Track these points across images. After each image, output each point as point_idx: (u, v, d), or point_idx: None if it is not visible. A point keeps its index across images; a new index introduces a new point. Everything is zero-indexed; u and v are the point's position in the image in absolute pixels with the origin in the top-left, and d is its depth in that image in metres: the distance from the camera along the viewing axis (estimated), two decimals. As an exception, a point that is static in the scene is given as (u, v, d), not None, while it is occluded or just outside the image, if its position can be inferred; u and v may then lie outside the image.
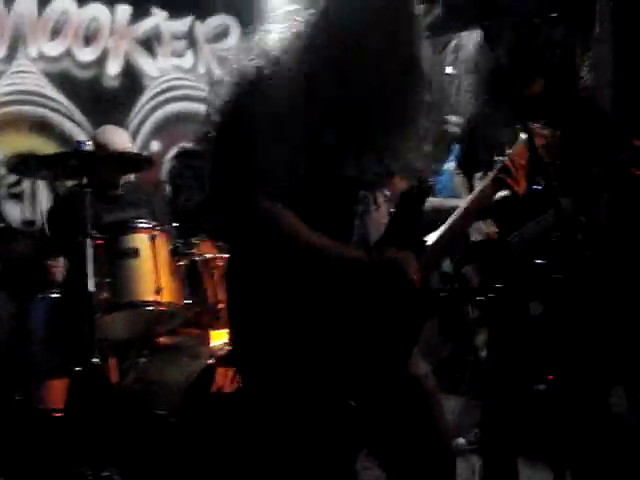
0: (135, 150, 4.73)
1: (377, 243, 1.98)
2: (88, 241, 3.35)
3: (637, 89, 4.94)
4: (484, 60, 3.09)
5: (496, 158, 2.26)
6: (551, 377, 3.83)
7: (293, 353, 1.90)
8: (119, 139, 4.36)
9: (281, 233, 1.86)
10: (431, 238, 2.12)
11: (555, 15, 1.98)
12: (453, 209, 2.16)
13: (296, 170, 1.84)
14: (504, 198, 2.27)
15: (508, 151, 2.24)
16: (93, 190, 3.52)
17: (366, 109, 1.88)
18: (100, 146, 4.19)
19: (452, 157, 6.95)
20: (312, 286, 1.88)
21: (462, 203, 2.20)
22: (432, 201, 2.28)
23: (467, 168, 3.55)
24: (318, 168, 1.86)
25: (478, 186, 2.25)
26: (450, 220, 2.13)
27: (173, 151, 6.00)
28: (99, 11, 5.69)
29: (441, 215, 2.15)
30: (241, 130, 1.85)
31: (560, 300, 3.43)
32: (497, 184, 2.21)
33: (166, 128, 6.09)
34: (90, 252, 3.34)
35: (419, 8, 1.96)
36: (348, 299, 1.89)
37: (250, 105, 1.85)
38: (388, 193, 2.06)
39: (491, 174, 2.22)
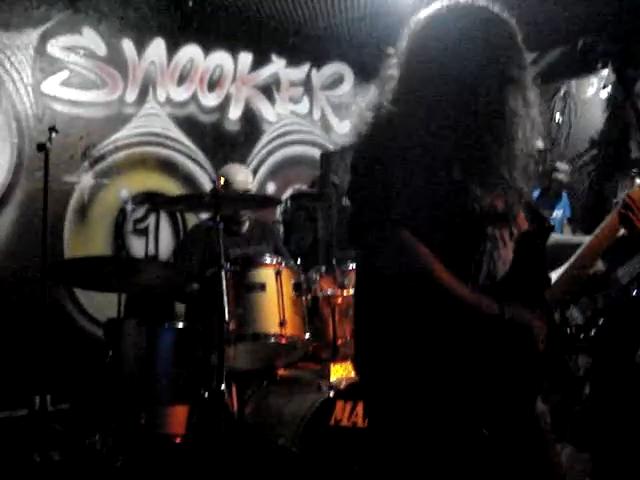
0: (255, 188, 4.90)
1: (503, 282, 2.00)
2: (223, 273, 3.50)
3: None
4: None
5: (618, 198, 2.31)
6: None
7: (422, 382, 1.94)
8: (241, 176, 4.57)
9: (421, 265, 1.89)
10: (555, 275, 2.16)
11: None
12: (576, 246, 2.20)
13: (427, 206, 1.90)
14: (624, 236, 2.29)
15: (629, 190, 2.27)
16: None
17: (488, 142, 1.94)
18: (223, 182, 4.40)
19: (561, 205, 6.92)
20: (441, 322, 1.92)
21: (586, 239, 2.23)
22: (554, 237, 2.32)
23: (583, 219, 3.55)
24: (449, 205, 1.91)
25: (602, 222, 2.25)
26: (575, 256, 2.17)
27: (287, 193, 6.22)
28: (223, 59, 6.00)
29: (563, 251, 2.20)
30: (378, 173, 1.92)
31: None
32: (621, 219, 2.23)
33: (281, 170, 6.32)
34: (224, 284, 3.49)
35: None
36: (476, 335, 1.93)
37: (383, 148, 1.93)
38: (514, 231, 2.09)
39: (614, 211, 2.25)
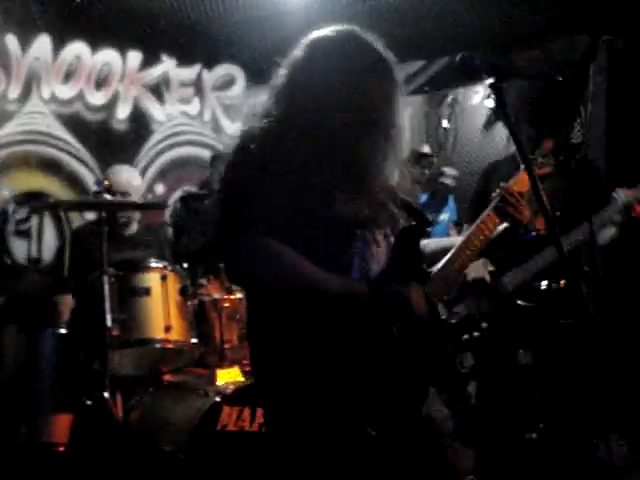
0: (142, 190, 4.81)
1: (379, 276, 2.07)
2: (105, 278, 3.43)
3: (628, 145, 5.10)
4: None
5: (496, 192, 2.31)
6: (542, 426, 3.92)
7: (311, 383, 1.97)
8: (128, 178, 4.48)
9: (287, 269, 1.95)
10: (433, 270, 2.20)
11: (561, 79, 2.10)
12: (449, 249, 2.24)
13: (294, 213, 1.95)
14: (505, 231, 2.31)
15: (505, 184, 2.30)
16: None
17: (355, 151, 2.04)
18: (111, 184, 4.31)
19: (447, 208, 7.11)
20: (322, 318, 1.96)
21: (463, 236, 2.27)
22: (430, 242, 2.38)
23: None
24: (315, 211, 1.98)
25: (477, 220, 2.28)
26: (452, 252, 2.21)
27: (177, 194, 6.14)
28: (111, 56, 5.86)
29: (437, 257, 2.24)
30: (245, 176, 1.98)
31: (554, 348, 3.53)
32: (497, 214, 2.25)
33: (171, 172, 6.23)
34: (107, 289, 3.43)
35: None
36: (359, 328, 1.98)
37: (252, 155, 1.99)
38: (388, 231, 2.16)
39: (489, 207, 2.27)
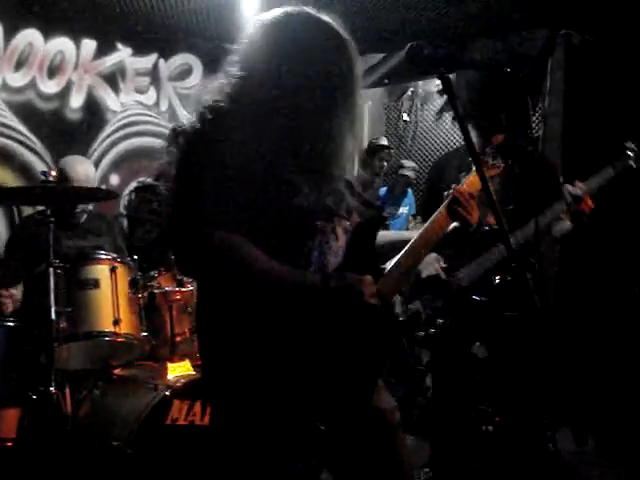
0: (96, 181, 4.72)
1: (335, 270, 2.05)
2: (50, 270, 3.37)
3: (584, 140, 5.15)
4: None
5: (448, 192, 2.32)
6: (498, 418, 3.94)
7: (259, 377, 1.95)
8: (81, 169, 4.39)
9: (237, 260, 1.90)
10: (388, 266, 2.17)
11: (510, 70, 2.09)
12: (407, 241, 2.22)
13: (252, 204, 1.91)
14: (455, 229, 2.31)
15: (456, 185, 2.31)
16: (54, 217, 3.54)
17: (313, 140, 2.00)
18: (64, 175, 4.24)
19: (406, 202, 7.11)
20: (272, 311, 1.93)
21: (416, 234, 2.25)
22: (385, 234, 2.35)
23: (425, 214, 3.65)
24: (273, 201, 1.94)
25: (431, 217, 2.27)
26: (405, 249, 2.19)
27: (132, 185, 6.06)
28: (64, 44, 5.74)
29: (395, 248, 2.22)
30: (198, 166, 1.92)
31: (505, 341, 3.55)
32: (449, 214, 2.25)
33: (126, 162, 6.15)
34: (52, 281, 3.36)
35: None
36: (309, 322, 1.95)
37: (205, 142, 1.93)
38: (348, 224, 2.13)
39: (442, 206, 2.27)
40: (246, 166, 1.90)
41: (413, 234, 2.26)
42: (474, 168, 2.22)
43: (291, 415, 1.96)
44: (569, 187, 3.38)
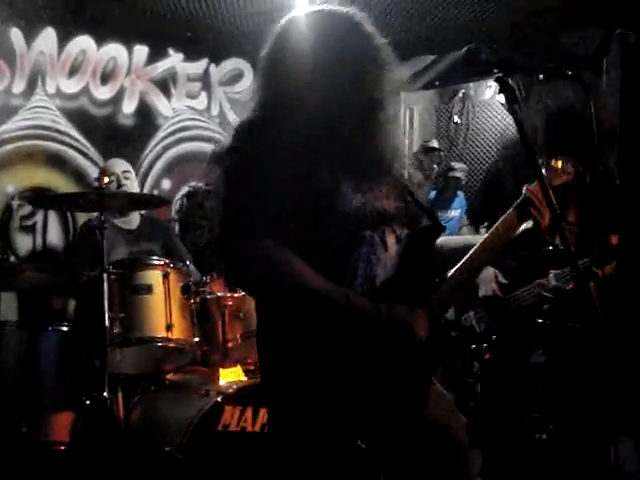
0: (136, 184, 4.75)
1: (384, 285, 1.98)
2: (104, 276, 3.39)
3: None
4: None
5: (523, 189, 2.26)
6: (552, 426, 3.86)
7: (307, 389, 1.92)
8: (120, 170, 4.45)
9: (285, 276, 1.87)
10: (451, 271, 2.12)
11: (571, 73, 2.03)
12: (471, 247, 2.16)
13: (298, 214, 1.88)
14: (525, 232, 2.25)
15: (530, 185, 2.24)
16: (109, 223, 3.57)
17: (354, 146, 1.96)
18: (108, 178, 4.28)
19: (458, 205, 7.02)
20: (320, 326, 1.90)
21: (479, 242, 2.19)
22: (449, 239, 2.32)
23: (477, 218, 3.59)
24: (319, 209, 1.91)
25: (499, 220, 2.21)
26: (472, 252, 2.13)
27: (183, 190, 6.09)
28: (117, 51, 5.81)
29: (457, 253, 2.16)
30: (243, 181, 1.89)
31: (563, 349, 3.47)
32: (520, 214, 2.18)
33: (177, 167, 6.19)
34: (106, 287, 3.38)
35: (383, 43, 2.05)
36: (356, 343, 1.91)
37: (247, 157, 1.91)
38: (399, 233, 2.07)
39: (512, 207, 2.21)
40: (289, 176, 1.86)
41: (477, 239, 2.20)
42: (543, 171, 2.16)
43: (335, 430, 1.92)
44: None
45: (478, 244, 2.16)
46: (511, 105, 1.96)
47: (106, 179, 3.71)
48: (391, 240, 2.04)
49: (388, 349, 1.92)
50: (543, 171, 2.22)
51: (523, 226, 2.23)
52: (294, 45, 1.99)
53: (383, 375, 1.94)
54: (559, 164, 2.47)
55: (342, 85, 1.95)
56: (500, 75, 1.94)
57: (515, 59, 1.97)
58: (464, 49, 2.00)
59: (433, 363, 2.06)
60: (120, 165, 4.55)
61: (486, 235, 2.19)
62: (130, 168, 4.57)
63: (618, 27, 5.53)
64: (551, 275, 3.35)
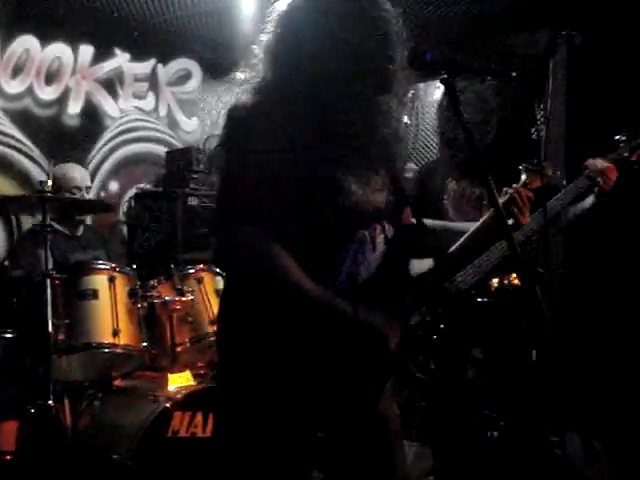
0: (91, 188, 4.70)
1: (364, 285, 1.97)
2: (47, 281, 3.32)
3: (587, 141, 5.09)
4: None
5: (504, 189, 2.37)
6: (504, 423, 3.89)
7: (269, 380, 1.91)
8: (77, 176, 4.42)
9: (273, 272, 1.86)
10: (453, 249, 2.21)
11: (516, 74, 2.03)
12: (462, 231, 2.24)
13: (294, 203, 1.86)
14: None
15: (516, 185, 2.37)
16: (57, 229, 3.51)
17: (352, 134, 1.92)
18: (60, 181, 4.23)
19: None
20: (295, 323, 1.88)
21: (472, 226, 2.27)
22: (437, 223, 2.37)
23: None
24: (315, 200, 1.88)
25: (487, 212, 2.30)
26: (465, 237, 2.22)
27: (131, 192, 6.00)
28: (62, 50, 5.68)
29: (450, 235, 2.23)
30: (236, 167, 1.88)
31: (508, 346, 3.50)
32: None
33: (125, 168, 6.09)
34: (49, 292, 3.31)
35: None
36: (327, 338, 1.90)
37: (243, 142, 1.88)
38: (388, 231, 2.05)
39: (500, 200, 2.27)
40: (286, 165, 1.84)
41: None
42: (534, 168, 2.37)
43: (295, 424, 1.93)
44: (594, 161, 3.35)
45: (470, 231, 2.25)
46: (456, 107, 1.95)
47: (50, 182, 3.62)
48: (379, 239, 2.03)
49: (357, 352, 1.92)
50: (523, 177, 2.41)
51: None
52: (297, 27, 1.94)
53: (348, 372, 1.93)
54: (537, 166, 2.52)
55: (345, 70, 1.91)
56: (445, 77, 1.94)
57: (460, 60, 1.97)
58: (408, 50, 1.99)
59: (395, 366, 2.07)
60: (85, 180, 4.52)
61: (475, 226, 2.28)
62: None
63: (564, 28, 5.59)
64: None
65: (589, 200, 3.47)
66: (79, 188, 4.44)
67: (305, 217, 1.88)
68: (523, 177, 2.49)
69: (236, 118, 1.92)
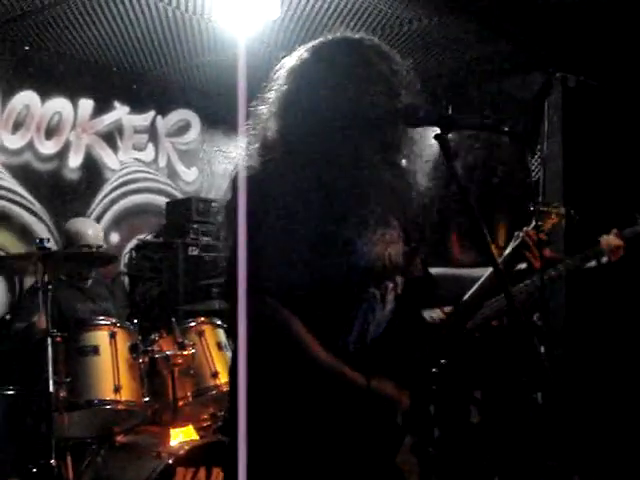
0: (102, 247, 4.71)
1: (374, 344, 1.96)
2: (49, 340, 3.32)
3: (585, 181, 5.12)
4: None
5: (516, 233, 2.37)
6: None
7: (282, 450, 1.89)
8: (92, 231, 4.46)
9: (291, 344, 1.85)
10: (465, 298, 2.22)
11: (508, 129, 2.04)
12: (473, 279, 2.23)
13: (306, 266, 1.83)
14: (521, 271, 2.39)
15: (526, 228, 2.36)
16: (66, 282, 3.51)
17: (361, 193, 1.90)
18: (71, 237, 4.25)
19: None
20: (310, 391, 1.87)
21: (486, 272, 2.26)
22: (449, 271, 2.38)
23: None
24: (330, 264, 1.85)
25: (501, 257, 2.31)
26: (479, 284, 2.22)
27: (132, 243, 6.02)
28: (62, 105, 5.74)
29: (460, 284, 2.23)
30: (248, 234, 1.82)
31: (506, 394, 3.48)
32: (516, 256, 2.29)
33: (126, 220, 6.11)
34: (50, 352, 3.31)
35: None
36: (340, 408, 1.89)
37: (254, 208, 1.83)
38: (399, 288, 2.03)
39: (511, 246, 2.31)
40: (297, 230, 1.82)
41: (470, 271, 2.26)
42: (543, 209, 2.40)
43: None
44: (608, 239, 3.33)
45: (484, 277, 2.27)
46: (449, 162, 1.96)
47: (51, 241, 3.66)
48: (390, 297, 2.01)
49: (372, 421, 1.92)
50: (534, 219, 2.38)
51: (518, 267, 2.35)
52: (308, 82, 1.92)
53: (363, 441, 1.92)
54: (548, 208, 2.54)
55: (354, 127, 1.89)
56: (439, 132, 1.95)
57: (453, 115, 1.98)
58: (402, 106, 2.00)
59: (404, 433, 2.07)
60: (98, 238, 4.59)
61: (485, 277, 2.28)
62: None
63: (558, 71, 5.64)
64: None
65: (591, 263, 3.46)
66: (90, 246, 4.47)
67: (317, 279, 1.85)
68: (534, 220, 2.47)
69: (245, 182, 1.89)
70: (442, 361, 3.44)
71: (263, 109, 1.99)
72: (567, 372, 3.97)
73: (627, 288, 4.75)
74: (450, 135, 1.94)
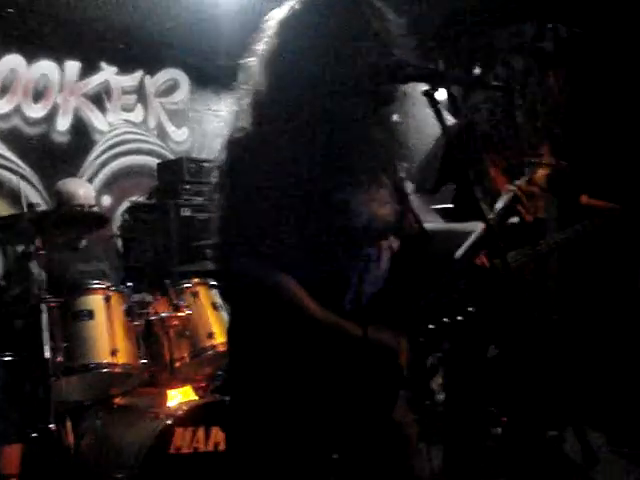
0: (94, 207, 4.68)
1: (371, 302, 1.96)
2: (43, 306, 3.31)
3: (575, 133, 5.09)
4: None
5: (508, 186, 2.33)
6: (505, 420, 3.88)
7: (283, 407, 1.90)
8: (83, 191, 4.41)
9: (288, 304, 1.85)
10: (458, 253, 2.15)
11: (496, 84, 2.02)
12: (465, 233, 2.19)
13: (300, 228, 1.83)
14: (513, 225, 2.30)
15: (518, 181, 2.31)
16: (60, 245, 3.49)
17: (355, 148, 1.89)
18: (63, 197, 4.22)
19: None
20: (307, 347, 1.88)
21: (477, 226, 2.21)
22: (441, 225, 2.36)
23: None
24: (324, 226, 1.85)
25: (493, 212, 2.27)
26: (472, 239, 2.16)
27: (124, 205, 5.99)
28: (48, 68, 5.68)
29: (453, 239, 2.18)
30: (241, 197, 1.85)
31: (513, 343, 3.48)
32: (508, 211, 2.25)
33: (117, 182, 6.09)
34: (45, 317, 3.31)
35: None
36: (339, 362, 1.89)
37: (247, 171, 1.85)
38: (394, 246, 2.04)
39: (503, 200, 2.27)
40: (291, 191, 1.81)
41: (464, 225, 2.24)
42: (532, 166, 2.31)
43: (309, 445, 1.91)
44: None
45: (477, 232, 2.19)
46: (439, 117, 1.94)
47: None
48: (385, 256, 2.01)
49: (368, 370, 1.91)
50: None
51: (510, 220, 2.28)
52: (299, 34, 1.89)
53: (359, 391, 1.92)
54: (540, 158, 2.51)
55: (347, 77, 1.86)
56: (427, 89, 1.92)
57: (442, 71, 1.95)
58: (389, 63, 1.97)
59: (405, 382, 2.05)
60: (89, 198, 4.52)
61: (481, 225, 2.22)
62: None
63: (550, 21, 5.59)
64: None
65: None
66: (81, 206, 4.42)
67: (312, 242, 1.85)
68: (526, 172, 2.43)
69: (237, 144, 1.90)
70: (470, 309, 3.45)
71: (253, 62, 1.96)
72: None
73: (618, 255, 4.78)
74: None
